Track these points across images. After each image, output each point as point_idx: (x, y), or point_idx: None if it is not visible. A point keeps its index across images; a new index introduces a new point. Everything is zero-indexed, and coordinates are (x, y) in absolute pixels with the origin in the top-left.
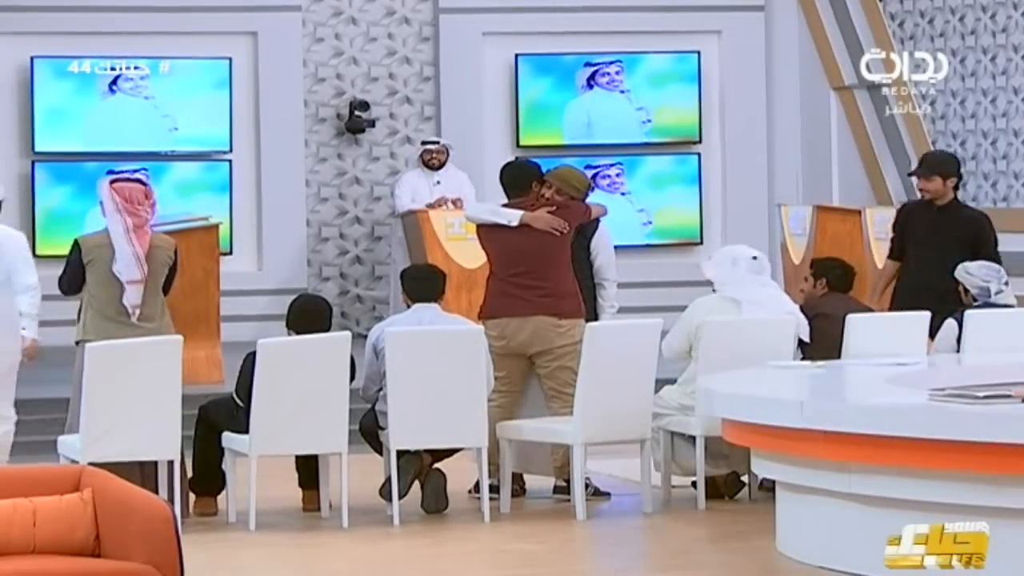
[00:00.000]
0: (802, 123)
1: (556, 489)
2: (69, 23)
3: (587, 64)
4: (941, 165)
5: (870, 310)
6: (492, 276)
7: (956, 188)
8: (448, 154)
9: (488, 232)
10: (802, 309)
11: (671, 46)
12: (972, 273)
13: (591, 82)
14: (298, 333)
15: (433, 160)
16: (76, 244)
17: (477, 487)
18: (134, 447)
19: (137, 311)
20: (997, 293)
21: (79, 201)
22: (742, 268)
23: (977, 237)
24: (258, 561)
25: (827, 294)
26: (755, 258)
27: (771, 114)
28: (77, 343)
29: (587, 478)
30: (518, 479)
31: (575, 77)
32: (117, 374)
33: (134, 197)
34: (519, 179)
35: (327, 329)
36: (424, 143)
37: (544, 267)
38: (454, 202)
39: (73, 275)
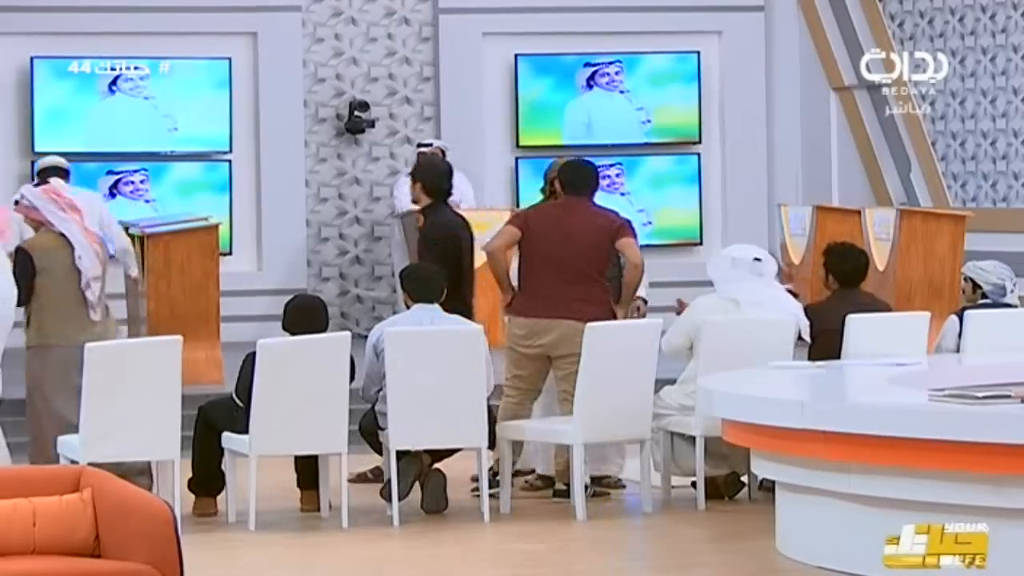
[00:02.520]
0: (802, 123)
1: (556, 493)
2: (69, 23)
3: (587, 64)
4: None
5: (883, 305)
6: (529, 277)
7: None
8: (444, 155)
9: (535, 237)
10: (807, 313)
11: (671, 46)
12: (986, 270)
13: (591, 82)
14: (294, 335)
15: None
16: (25, 253)
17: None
18: (134, 447)
19: (98, 307)
20: (1010, 292)
21: None
22: (742, 269)
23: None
24: (258, 561)
25: (835, 293)
26: (757, 259)
27: (771, 114)
28: (30, 348)
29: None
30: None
31: (575, 77)
32: (117, 374)
33: (62, 193)
34: (584, 180)
35: (324, 329)
36: (419, 145)
37: (583, 276)
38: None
39: (27, 285)
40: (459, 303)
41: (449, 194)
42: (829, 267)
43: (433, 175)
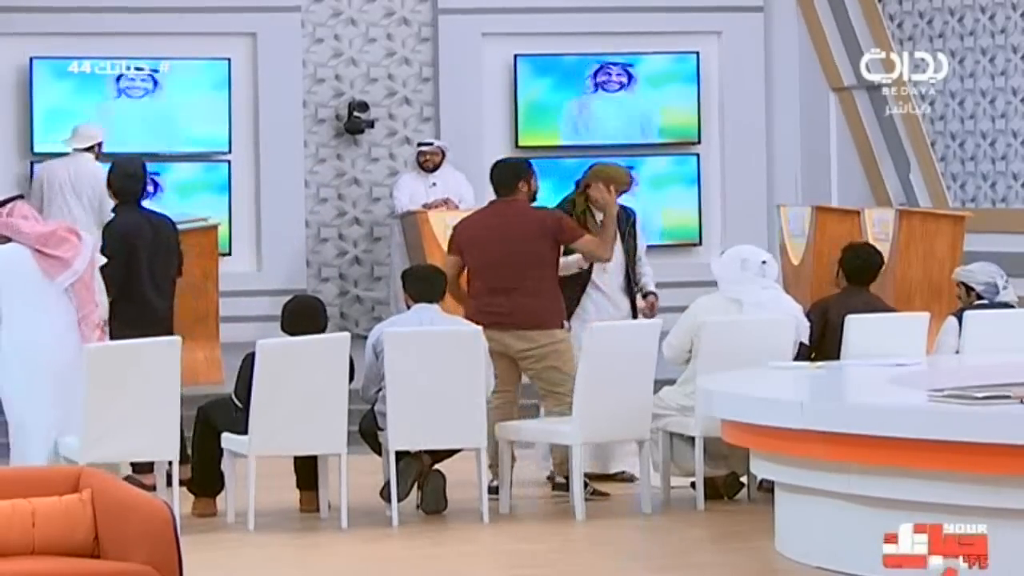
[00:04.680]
0: (801, 124)
1: (555, 487)
2: (69, 23)
3: (586, 64)
4: None
5: (887, 308)
6: (472, 287)
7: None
8: (444, 155)
9: (470, 240)
10: (808, 314)
11: (671, 47)
12: (975, 271)
13: (590, 82)
14: (293, 335)
15: (427, 162)
16: None
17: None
18: (133, 448)
19: None
20: (1003, 289)
21: None
22: (751, 271)
23: None
24: (257, 562)
25: (844, 290)
26: (764, 262)
27: (770, 115)
28: None
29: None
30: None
31: (574, 77)
32: (117, 374)
33: None
34: (505, 177)
35: (322, 329)
36: (419, 145)
37: (525, 277)
38: (445, 202)
39: None
40: (140, 306)
41: (139, 196)
42: (842, 263)
43: (118, 177)
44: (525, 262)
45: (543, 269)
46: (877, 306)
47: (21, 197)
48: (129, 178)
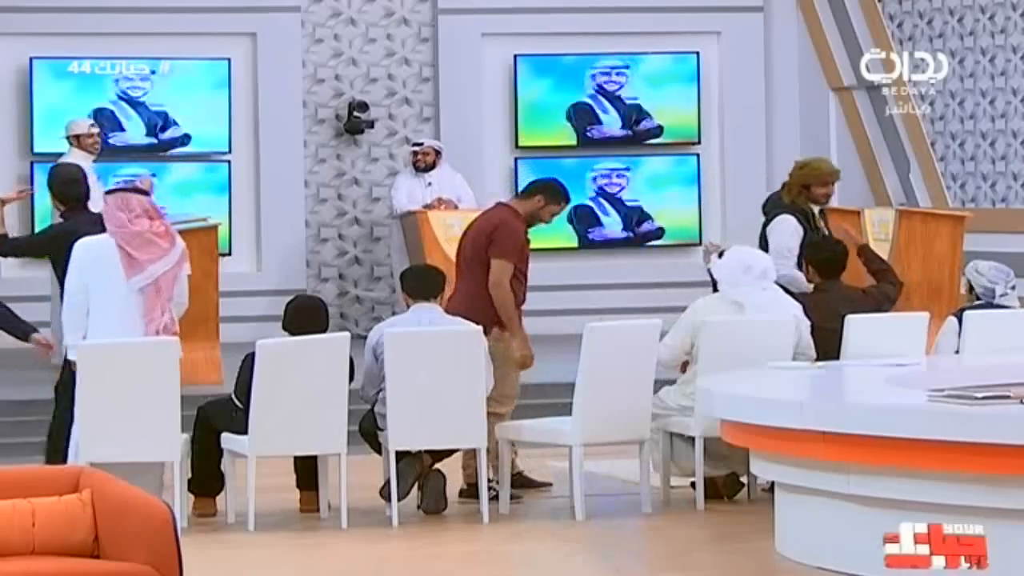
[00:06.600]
0: (801, 124)
1: (461, 492)
2: (69, 23)
3: (586, 65)
4: None
5: (860, 293)
6: None
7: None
8: (438, 155)
9: None
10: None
11: (670, 47)
12: (981, 272)
13: (590, 82)
14: (294, 335)
15: (420, 162)
16: None
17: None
18: (133, 448)
19: None
20: (1002, 296)
21: None
22: (753, 276)
23: None
24: (257, 562)
25: (819, 286)
26: (765, 269)
27: (770, 115)
28: None
29: (490, 479)
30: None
31: (574, 78)
32: (116, 375)
33: None
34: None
35: (324, 329)
36: (412, 144)
37: (462, 275)
38: (442, 202)
39: None
40: None
41: (83, 199)
42: (809, 259)
43: (59, 184)
44: (464, 265)
45: (476, 274)
46: (852, 295)
47: (139, 191)
48: (70, 183)
